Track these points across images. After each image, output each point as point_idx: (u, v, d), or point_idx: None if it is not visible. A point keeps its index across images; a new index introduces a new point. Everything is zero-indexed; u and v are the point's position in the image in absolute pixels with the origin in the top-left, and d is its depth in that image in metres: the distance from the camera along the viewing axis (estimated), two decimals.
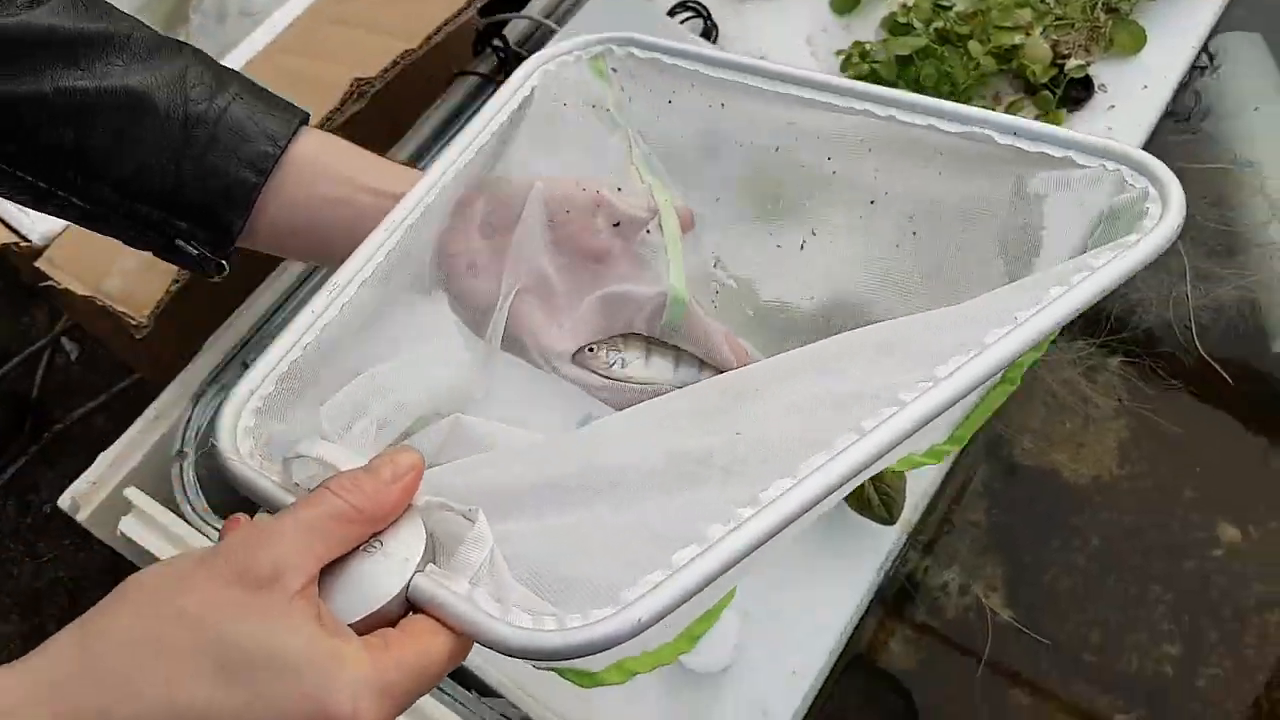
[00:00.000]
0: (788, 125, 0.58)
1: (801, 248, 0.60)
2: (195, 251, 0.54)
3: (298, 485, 0.40)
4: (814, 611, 0.92)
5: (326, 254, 0.55)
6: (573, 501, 0.39)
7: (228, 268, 0.56)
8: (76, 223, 0.55)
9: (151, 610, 0.32)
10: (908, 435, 0.39)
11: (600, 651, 0.34)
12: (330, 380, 0.46)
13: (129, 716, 0.31)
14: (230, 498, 0.85)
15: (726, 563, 0.36)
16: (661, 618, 0.35)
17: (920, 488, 1.00)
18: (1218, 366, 1.25)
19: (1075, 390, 1.26)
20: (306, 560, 0.34)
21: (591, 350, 0.54)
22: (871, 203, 0.57)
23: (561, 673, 0.39)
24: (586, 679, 0.39)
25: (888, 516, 0.88)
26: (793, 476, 0.38)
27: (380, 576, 0.36)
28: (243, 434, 0.42)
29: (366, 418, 0.45)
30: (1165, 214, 0.45)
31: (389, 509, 0.37)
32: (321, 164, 0.55)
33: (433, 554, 0.38)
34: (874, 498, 0.88)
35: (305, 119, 0.56)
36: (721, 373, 0.57)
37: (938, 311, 0.45)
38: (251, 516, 0.39)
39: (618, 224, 0.58)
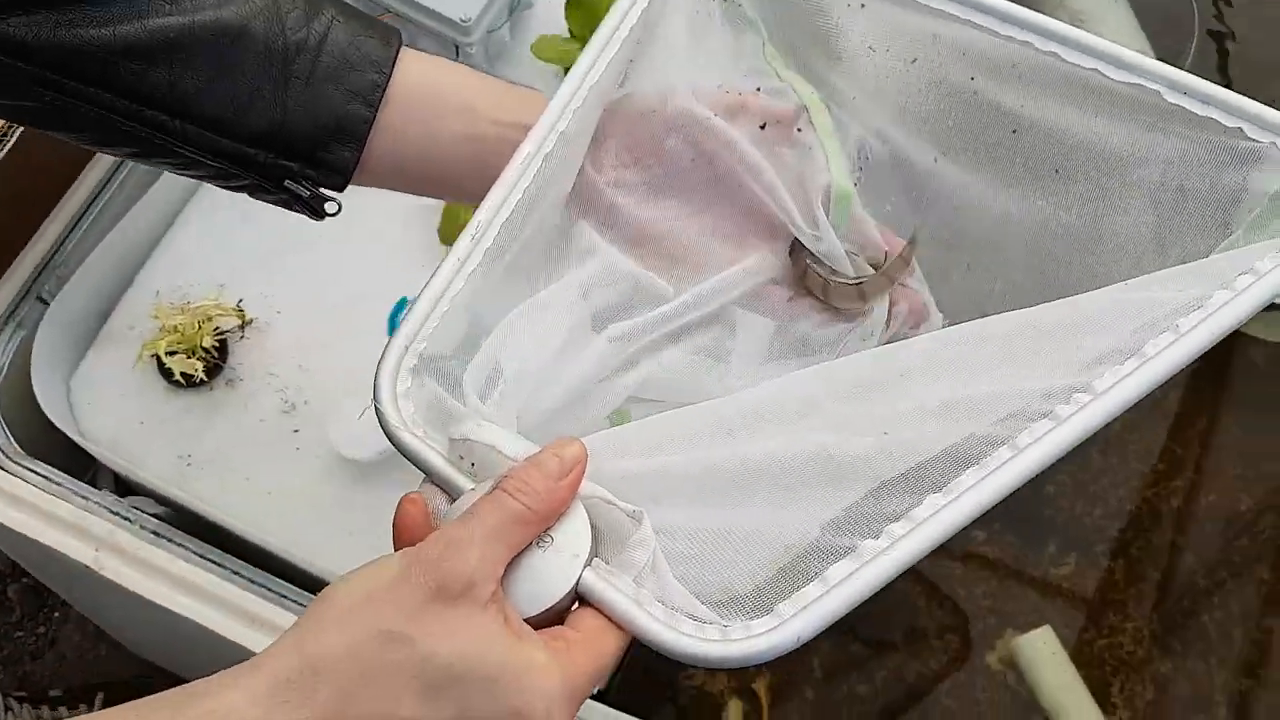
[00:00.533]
0: (931, 37, 0.55)
1: (934, 161, 0.59)
2: (307, 192, 0.52)
3: (461, 459, 0.41)
4: None
5: (451, 190, 0.53)
6: (726, 496, 0.41)
7: (340, 207, 0.54)
8: (175, 171, 0.53)
9: (360, 630, 0.35)
10: (1063, 453, 0.40)
11: (759, 663, 0.37)
12: (477, 331, 0.47)
13: None
14: (42, 437, 0.84)
15: (879, 581, 0.38)
16: (817, 633, 0.37)
17: None
18: None
19: None
20: (495, 568, 0.36)
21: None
22: (1014, 131, 0.55)
23: None
24: None
25: None
26: (945, 493, 0.39)
27: (553, 573, 0.38)
28: (403, 398, 0.43)
29: (505, 375, 0.45)
30: None
31: (558, 506, 0.38)
32: (435, 92, 0.53)
33: (596, 547, 0.40)
34: None
35: (401, 39, 0.53)
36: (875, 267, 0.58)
37: (1090, 300, 0.45)
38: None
39: (764, 126, 0.56)
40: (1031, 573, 1.15)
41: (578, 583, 0.38)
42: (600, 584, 0.38)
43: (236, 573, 0.72)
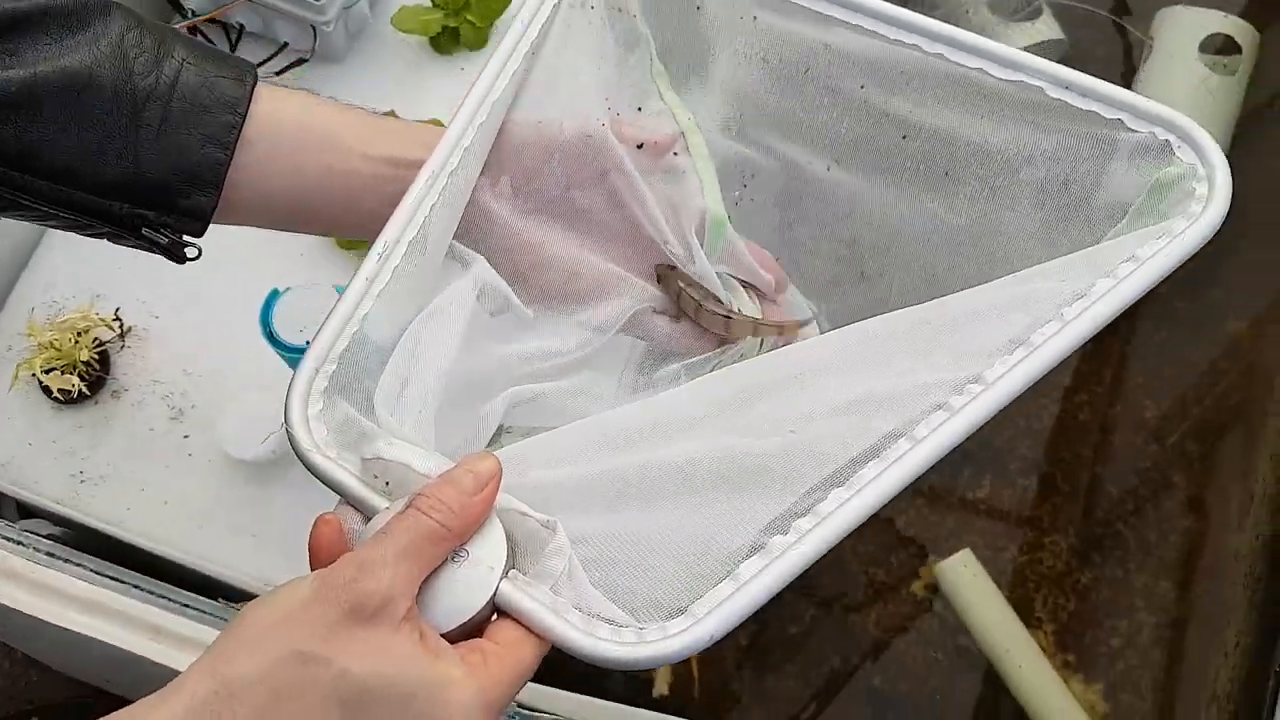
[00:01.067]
0: (823, 46, 0.57)
1: (827, 170, 0.60)
2: (165, 239, 0.51)
3: (375, 477, 0.42)
4: None
5: (324, 226, 0.53)
6: (640, 501, 0.41)
7: (200, 251, 0.53)
8: (32, 222, 0.51)
9: (273, 653, 0.35)
10: (960, 441, 0.41)
11: (674, 662, 0.38)
12: (389, 349, 0.47)
13: None
14: None
15: (789, 575, 0.39)
16: (731, 629, 0.38)
17: None
18: None
19: None
20: (409, 587, 0.37)
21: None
22: (904, 136, 0.57)
23: None
24: None
25: None
26: (848, 487, 0.40)
27: (470, 586, 0.39)
28: (314, 421, 0.43)
29: (413, 388, 0.45)
30: (1211, 199, 0.46)
31: (474, 521, 0.39)
32: (297, 128, 0.52)
33: (513, 558, 0.40)
34: None
35: (256, 75, 0.52)
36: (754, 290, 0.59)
37: (981, 293, 0.46)
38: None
39: (640, 146, 0.57)
40: (949, 498, 1.17)
41: (494, 595, 0.39)
42: (517, 594, 0.39)
43: (136, 586, 0.71)
